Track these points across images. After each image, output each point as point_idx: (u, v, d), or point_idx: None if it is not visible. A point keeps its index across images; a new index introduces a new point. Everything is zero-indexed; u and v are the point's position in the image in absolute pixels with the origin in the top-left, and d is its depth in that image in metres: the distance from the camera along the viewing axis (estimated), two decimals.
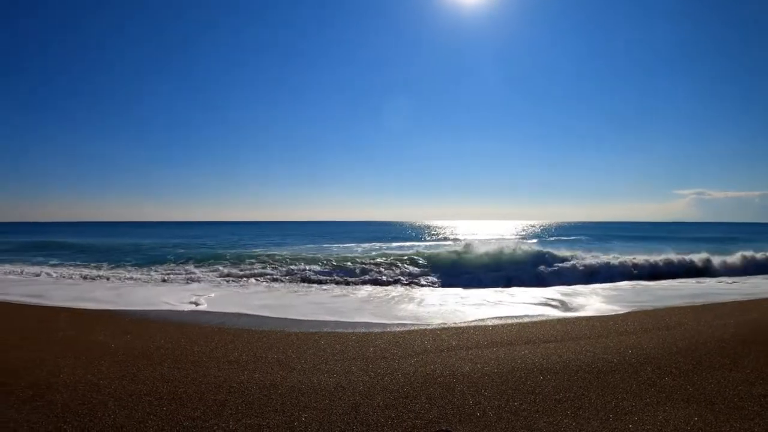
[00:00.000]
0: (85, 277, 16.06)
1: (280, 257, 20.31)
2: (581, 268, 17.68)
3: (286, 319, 8.65)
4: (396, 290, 13.12)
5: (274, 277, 16.37)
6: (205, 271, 17.28)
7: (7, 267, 18.58)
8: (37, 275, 16.69)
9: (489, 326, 7.55)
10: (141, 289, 12.91)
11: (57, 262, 21.44)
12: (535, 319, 8.17)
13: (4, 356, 5.71)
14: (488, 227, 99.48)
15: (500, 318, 8.38)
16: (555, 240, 45.51)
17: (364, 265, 17.96)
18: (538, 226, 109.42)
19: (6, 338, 6.73)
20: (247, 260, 19.87)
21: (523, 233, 66.40)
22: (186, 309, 9.82)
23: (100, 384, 4.59)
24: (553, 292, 11.79)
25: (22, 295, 11.31)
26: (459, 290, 12.63)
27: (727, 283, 14.06)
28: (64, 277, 16.38)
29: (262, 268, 17.87)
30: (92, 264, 20.27)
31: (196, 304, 10.38)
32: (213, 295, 11.65)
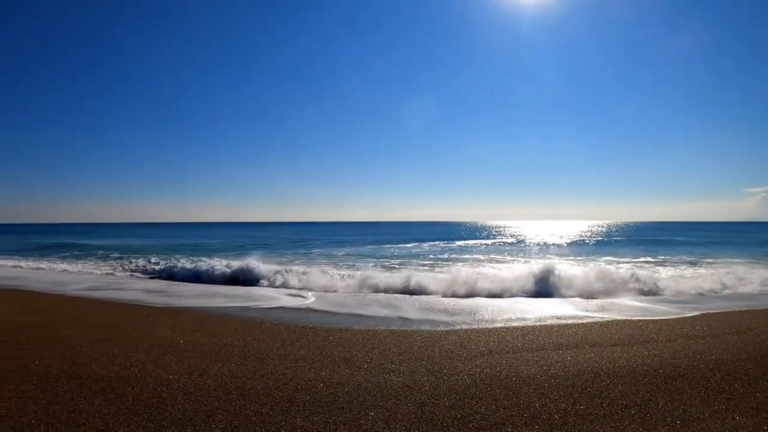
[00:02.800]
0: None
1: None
2: None
3: (351, 315, 9.48)
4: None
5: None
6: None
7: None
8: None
9: (554, 328, 7.82)
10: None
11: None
12: (600, 321, 8.36)
13: (77, 350, 6.29)
14: (553, 228, 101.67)
15: (562, 318, 8.74)
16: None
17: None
18: (605, 227, 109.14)
19: (81, 333, 7.40)
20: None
21: (585, 235, 65.94)
22: (253, 305, 10.70)
23: (169, 378, 5.04)
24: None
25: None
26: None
27: None
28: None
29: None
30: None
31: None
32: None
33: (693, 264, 21.03)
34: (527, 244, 43.05)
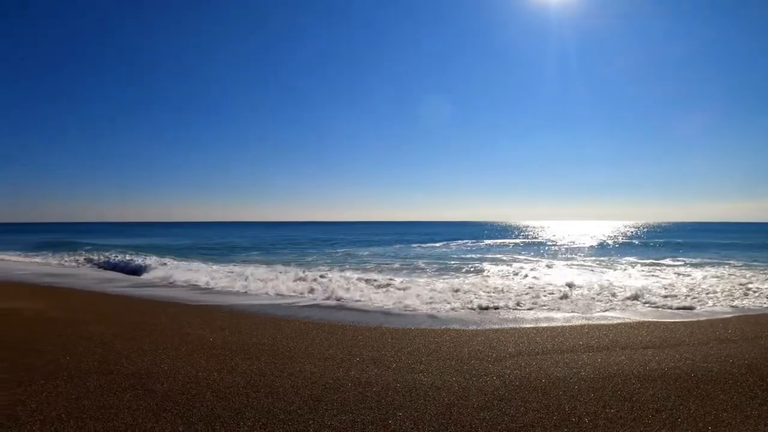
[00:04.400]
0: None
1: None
2: None
3: (379, 312, 9.85)
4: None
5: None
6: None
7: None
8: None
9: (584, 329, 7.96)
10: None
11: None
12: (630, 323, 8.46)
13: (108, 346, 6.57)
14: (583, 228, 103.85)
15: (591, 319, 8.93)
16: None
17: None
18: (640, 227, 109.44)
19: (111, 329, 7.72)
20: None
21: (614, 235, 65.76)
22: (284, 302, 11.21)
23: (198, 375, 5.26)
24: None
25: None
26: None
27: None
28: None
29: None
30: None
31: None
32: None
33: (717, 265, 20.90)
34: (550, 245, 42.99)
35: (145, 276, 17.73)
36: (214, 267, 19.71)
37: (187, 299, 11.73)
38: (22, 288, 13.76)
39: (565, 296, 11.41)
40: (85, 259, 23.79)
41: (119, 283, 15.17)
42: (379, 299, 11.29)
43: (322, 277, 15.58)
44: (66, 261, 23.92)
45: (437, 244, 43.03)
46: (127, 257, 23.49)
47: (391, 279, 15.54)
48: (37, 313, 9.18)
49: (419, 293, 11.99)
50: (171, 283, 15.41)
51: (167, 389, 4.81)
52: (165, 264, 20.36)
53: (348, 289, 12.51)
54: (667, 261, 23.97)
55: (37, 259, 25.26)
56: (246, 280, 15.11)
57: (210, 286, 14.33)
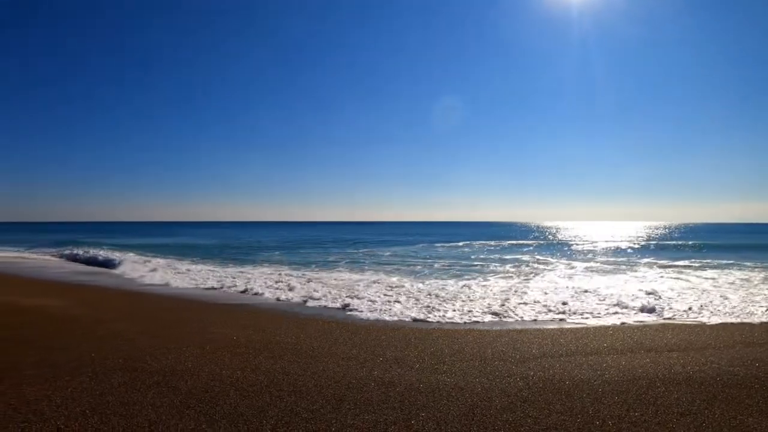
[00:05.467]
0: None
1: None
2: None
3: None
4: None
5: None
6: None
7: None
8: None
9: (609, 330, 8.06)
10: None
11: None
12: (655, 325, 8.52)
13: (133, 343, 6.79)
14: (606, 229, 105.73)
15: (620, 321, 9.01)
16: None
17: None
18: (669, 228, 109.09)
19: (135, 327, 7.97)
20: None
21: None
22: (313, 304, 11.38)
23: (222, 373, 5.41)
24: None
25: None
26: None
27: None
28: None
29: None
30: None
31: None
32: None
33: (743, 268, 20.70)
34: (570, 246, 42.87)
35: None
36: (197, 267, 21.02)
37: (215, 298, 12.09)
38: (43, 285, 14.23)
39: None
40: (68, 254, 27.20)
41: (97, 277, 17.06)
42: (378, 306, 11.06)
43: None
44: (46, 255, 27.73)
45: (460, 243, 44.77)
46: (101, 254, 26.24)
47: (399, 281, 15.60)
48: (61, 310, 9.50)
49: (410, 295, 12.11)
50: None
51: (191, 387, 4.96)
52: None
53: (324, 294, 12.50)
54: (695, 262, 23.81)
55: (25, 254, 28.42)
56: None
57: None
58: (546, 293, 12.78)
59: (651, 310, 9.87)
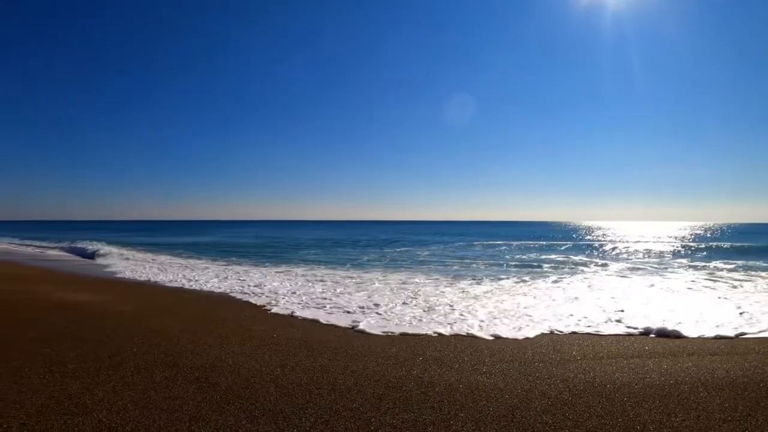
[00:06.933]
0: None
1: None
2: None
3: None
4: None
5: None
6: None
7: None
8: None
9: (651, 333, 8.04)
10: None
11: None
12: None
13: (175, 340, 7.08)
14: (645, 230, 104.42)
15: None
16: None
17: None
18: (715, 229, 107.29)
19: (177, 324, 8.31)
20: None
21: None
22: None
23: (262, 370, 5.63)
24: None
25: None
26: None
27: None
28: None
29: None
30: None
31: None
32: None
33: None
34: (607, 247, 42.41)
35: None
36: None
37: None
38: (83, 282, 14.81)
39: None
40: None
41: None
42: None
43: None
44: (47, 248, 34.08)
45: (499, 241, 45.81)
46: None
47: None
48: (104, 305, 9.87)
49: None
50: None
51: (231, 383, 5.16)
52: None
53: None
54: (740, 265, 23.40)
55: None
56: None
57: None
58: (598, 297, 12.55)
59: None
